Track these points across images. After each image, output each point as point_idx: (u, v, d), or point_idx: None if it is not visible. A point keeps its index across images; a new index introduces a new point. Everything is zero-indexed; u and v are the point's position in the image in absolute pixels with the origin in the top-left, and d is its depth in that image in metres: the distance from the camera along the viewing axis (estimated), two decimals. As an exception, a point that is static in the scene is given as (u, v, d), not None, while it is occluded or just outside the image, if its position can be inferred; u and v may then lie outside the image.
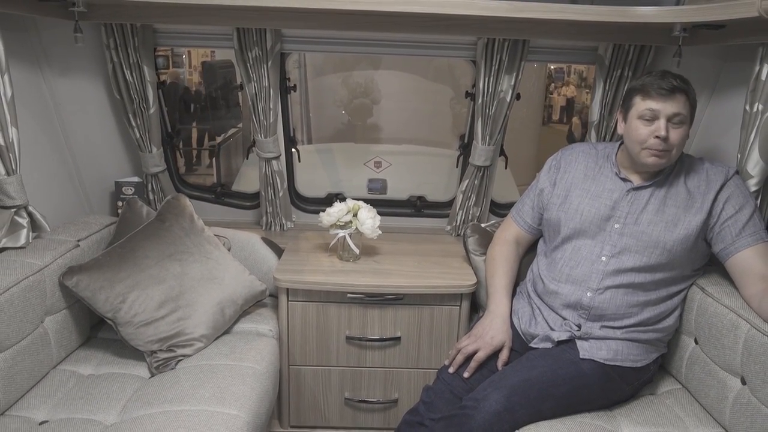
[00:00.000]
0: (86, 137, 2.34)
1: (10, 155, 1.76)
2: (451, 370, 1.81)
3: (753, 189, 1.76)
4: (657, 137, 1.65)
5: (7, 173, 1.77)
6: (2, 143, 1.73)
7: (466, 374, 1.78)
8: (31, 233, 1.87)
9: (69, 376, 1.80)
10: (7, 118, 1.74)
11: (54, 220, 2.02)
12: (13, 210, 1.81)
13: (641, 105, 1.69)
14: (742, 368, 1.56)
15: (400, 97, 3.47)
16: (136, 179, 2.44)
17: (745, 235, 1.67)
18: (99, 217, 2.27)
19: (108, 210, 2.49)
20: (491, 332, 1.83)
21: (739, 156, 1.81)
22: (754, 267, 1.64)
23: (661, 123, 1.65)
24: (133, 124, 2.35)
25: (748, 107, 1.77)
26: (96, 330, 2.07)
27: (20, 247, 1.82)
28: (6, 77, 1.72)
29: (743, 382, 1.56)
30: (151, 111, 2.33)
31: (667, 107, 1.65)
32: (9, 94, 1.74)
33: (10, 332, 1.60)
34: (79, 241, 1.99)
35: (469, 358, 1.80)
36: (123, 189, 2.41)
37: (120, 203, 2.39)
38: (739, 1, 1.61)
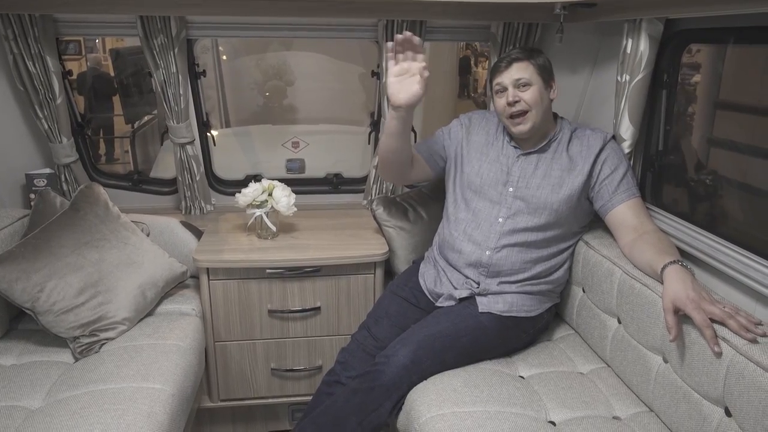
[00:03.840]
0: (-9, 130, 2.32)
1: None
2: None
3: (626, 151, 1.98)
4: (509, 104, 1.87)
5: None
6: None
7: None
8: (-61, 229, 1.88)
9: (-9, 368, 1.83)
10: None
11: (-37, 214, 2.02)
12: None
13: (493, 82, 1.93)
14: (617, 309, 1.79)
15: (314, 78, 3.52)
16: (47, 171, 2.43)
17: (620, 192, 1.89)
18: (10, 210, 2.26)
19: (20, 203, 2.47)
20: None
21: (614, 122, 2.03)
22: (627, 220, 1.86)
23: (509, 91, 1.87)
24: (40, 115, 2.33)
25: (619, 77, 1.99)
26: (16, 322, 2.09)
27: (-72, 244, 1.83)
28: None
29: (619, 321, 1.80)
30: (58, 101, 2.32)
31: (508, 76, 1.88)
32: None
33: (-75, 326, 1.63)
34: (-9, 235, 2.00)
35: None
36: (35, 181, 2.39)
37: (32, 195, 2.37)
38: (600, -18, 1.81)
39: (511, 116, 1.89)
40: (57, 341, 1.93)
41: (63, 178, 2.49)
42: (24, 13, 2.14)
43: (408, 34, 1.75)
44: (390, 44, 1.79)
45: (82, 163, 2.57)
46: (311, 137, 3.03)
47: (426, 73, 1.77)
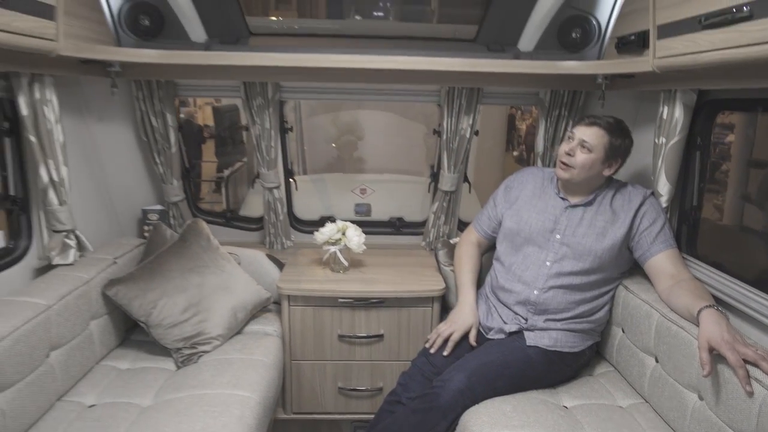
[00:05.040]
0: (118, 173, 2.56)
1: (62, 189, 2.00)
2: (432, 350, 2.02)
3: (664, 205, 2.01)
4: (564, 152, 1.94)
5: (60, 203, 2.00)
6: (56, 179, 1.97)
7: (445, 353, 2.01)
8: (77, 253, 2.09)
9: (110, 370, 2.01)
10: (60, 158, 1.98)
11: (94, 241, 2.24)
12: (63, 234, 2.03)
13: (571, 128, 1.99)
14: (654, 349, 1.80)
15: (381, 133, 3.69)
16: (159, 207, 2.64)
17: (658, 242, 1.92)
18: (130, 239, 2.48)
19: (136, 233, 2.69)
20: (463, 317, 2.07)
21: (652, 178, 2.07)
22: (664, 268, 1.89)
23: (573, 143, 1.95)
24: (158, 161, 2.57)
25: (656, 140, 2.04)
26: (130, 333, 2.27)
27: (69, 264, 2.05)
28: (59, 126, 1.97)
29: (656, 360, 1.81)
30: (173, 150, 2.56)
31: (581, 132, 1.94)
32: (62, 139, 1.98)
33: (66, 332, 1.82)
34: (115, 258, 2.21)
35: (446, 340, 2.03)
36: (149, 215, 2.60)
37: (146, 227, 2.58)
38: (639, 58, 1.91)
39: (561, 161, 1.96)
40: (162, 351, 2.09)
41: (171, 214, 2.70)
42: (153, 79, 2.40)
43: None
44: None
45: (187, 201, 2.79)
46: (377, 185, 3.15)
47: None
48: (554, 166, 2.55)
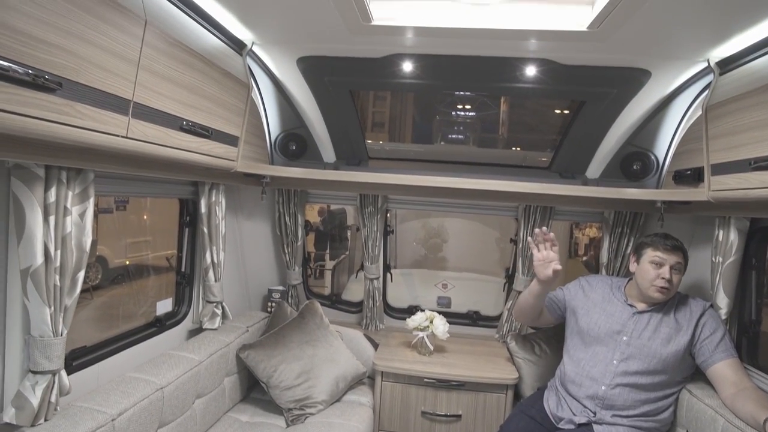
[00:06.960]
0: (254, 258, 2.82)
1: (218, 269, 2.26)
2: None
3: (723, 317, 1.95)
4: (663, 278, 1.94)
5: (215, 280, 2.25)
6: (216, 261, 2.24)
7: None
8: (221, 320, 2.31)
9: (234, 421, 2.13)
10: (220, 245, 2.26)
11: (232, 312, 2.44)
12: (214, 304, 2.27)
13: (652, 254, 1.99)
14: (721, 453, 1.70)
15: (462, 237, 3.83)
16: (281, 288, 2.87)
17: (719, 351, 1.86)
18: (258, 312, 2.68)
19: (260, 307, 2.91)
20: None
21: (711, 293, 2.03)
22: (726, 376, 1.81)
23: (666, 269, 1.95)
24: (286, 251, 2.83)
25: (713, 258, 2.03)
26: (250, 391, 2.40)
27: (215, 329, 2.26)
28: (223, 222, 2.27)
29: (723, 464, 1.69)
30: (298, 243, 2.82)
31: (671, 258, 1.96)
32: (223, 232, 2.28)
33: (208, 384, 1.99)
34: (248, 327, 2.40)
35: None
36: (273, 294, 2.83)
37: (270, 304, 2.80)
38: (695, 189, 1.96)
39: (661, 286, 1.95)
40: (275, 409, 2.19)
41: (290, 294, 2.91)
42: (292, 188, 2.72)
43: (545, 230, 2.00)
44: (530, 239, 2.06)
45: (303, 285, 2.99)
46: (457, 281, 3.22)
47: (558, 267, 1.98)
48: (618, 275, 2.57)
